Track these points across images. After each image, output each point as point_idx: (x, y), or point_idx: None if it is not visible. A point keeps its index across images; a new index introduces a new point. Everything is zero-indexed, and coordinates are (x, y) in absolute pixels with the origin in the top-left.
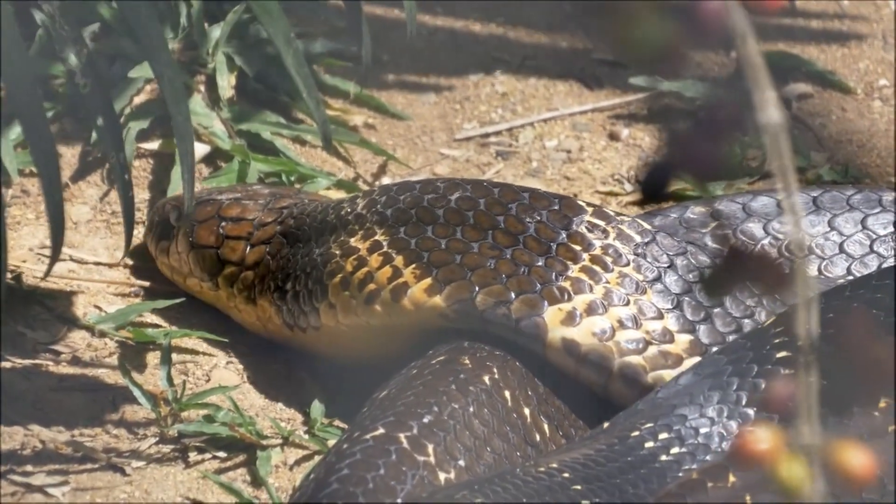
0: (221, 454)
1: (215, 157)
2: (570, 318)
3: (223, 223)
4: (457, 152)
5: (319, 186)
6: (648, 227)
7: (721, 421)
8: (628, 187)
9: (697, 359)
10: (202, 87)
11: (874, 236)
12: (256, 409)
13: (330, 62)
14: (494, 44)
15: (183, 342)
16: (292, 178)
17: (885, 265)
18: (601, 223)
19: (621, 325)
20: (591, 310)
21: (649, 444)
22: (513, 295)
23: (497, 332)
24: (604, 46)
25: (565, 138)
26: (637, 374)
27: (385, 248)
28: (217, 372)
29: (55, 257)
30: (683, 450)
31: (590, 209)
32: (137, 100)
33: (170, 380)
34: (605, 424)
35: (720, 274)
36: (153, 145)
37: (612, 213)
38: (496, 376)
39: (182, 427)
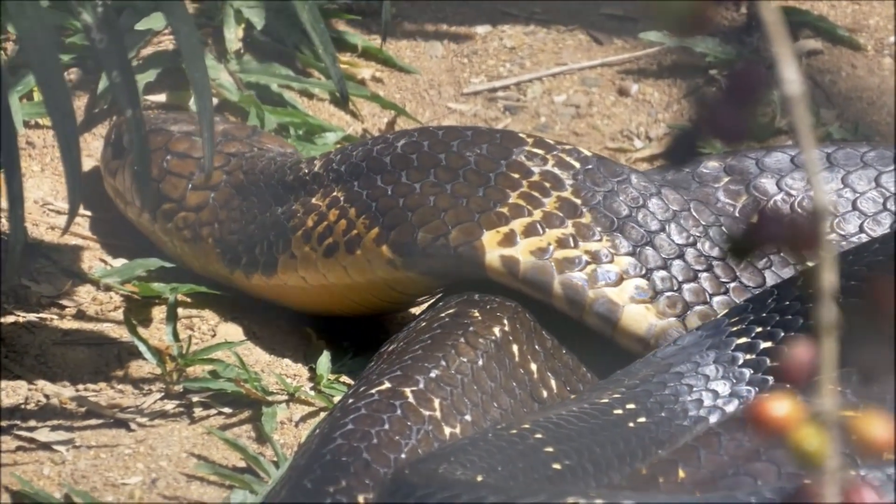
0: (226, 410)
1: (223, 109)
2: (507, 240)
3: (168, 157)
4: (464, 107)
5: (328, 141)
6: (589, 153)
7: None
8: (638, 143)
9: (639, 281)
10: (209, 40)
11: (888, 194)
12: (262, 365)
13: (339, 15)
14: None
15: (189, 297)
16: (301, 132)
17: None
18: (540, 152)
19: (560, 244)
20: (529, 231)
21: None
22: (450, 226)
23: (440, 266)
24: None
25: (574, 93)
26: (578, 289)
27: (342, 203)
28: (223, 327)
29: (73, 213)
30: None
31: (530, 140)
32: (144, 52)
33: (175, 335)
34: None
35: (747, 236)
36: (160, 97)
37: (552, 143)
38: (506, 328)
39: (187, 383)
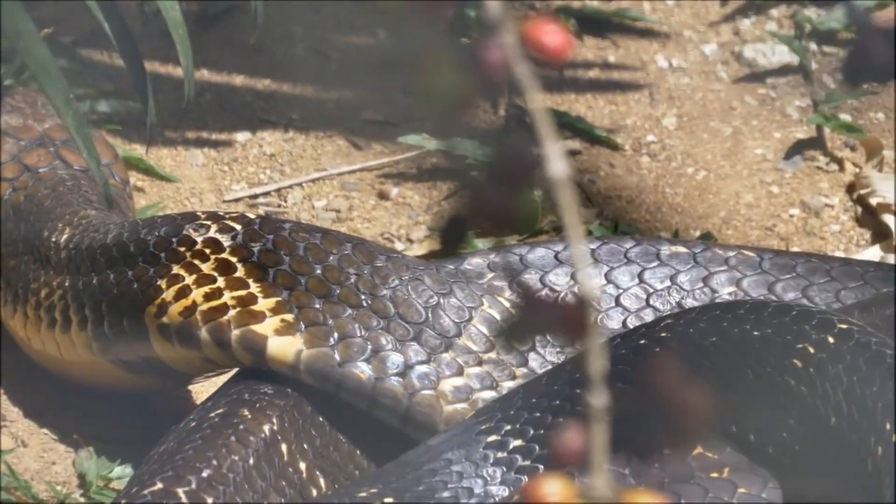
0: None
1: None
2: (161, 310)
3: None
4: None
5: None
6: (254, 216)
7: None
8: (399, 246)
9: (286, 315)
10: None
11: (651, 290)
12: (31, 473)
13: (99, 125)
14: (261, 105)
15: None
16: None
17: None
18: (208, 222)
19: (207, 297)
20: (179, 295)
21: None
22: (124, 312)
23: (126, 353)
24: (372, 104)
25: (334, 198)
26: (222, 331)
27: (66, 285)
28: None
29: None
30: None
31: (203, 214)
32: None
33: None
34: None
35: (519, 323)
36: None
37: (223, 214)
38: (275, 427)
39: None
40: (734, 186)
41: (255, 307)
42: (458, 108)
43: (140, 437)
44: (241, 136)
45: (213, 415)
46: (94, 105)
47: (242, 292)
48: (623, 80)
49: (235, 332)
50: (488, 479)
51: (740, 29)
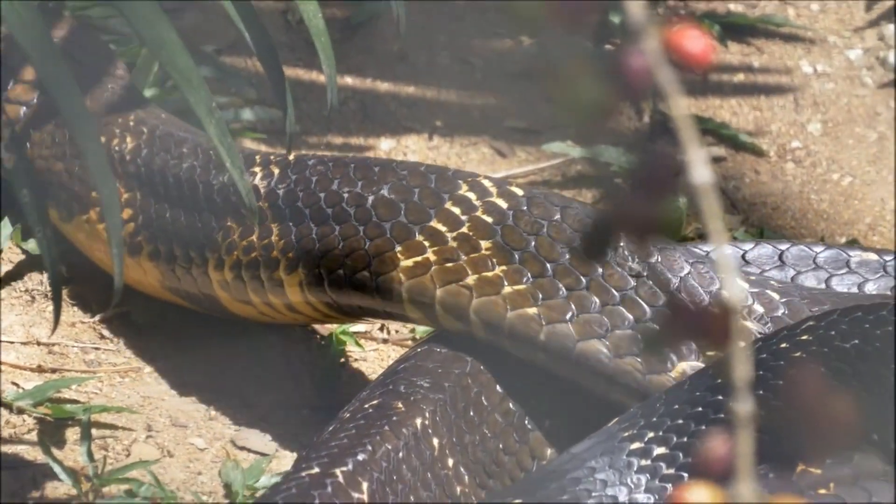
0: None
1: None
2: (219, 264)
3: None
4: None
5: None
6: (291, 157)
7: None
8: None
9: (291, 254)
10: None
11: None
12: (178, 483)
13: (244, 133)
14: (405, 112)
15: (102, 417)
16: None
17: None
18: (257, 169)
19: (245, 252)
20: (229, 250)
21: None
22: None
23: None
24: (516, 111)
25: None
26: (259, 279)
27: (137, 202)
28: (137, 446)
29: None
30: None
31: (259, 157)
32: None
33: (90, 455)
34: None
35: (663, 330)
36: None
37: (273, 158)
38: (427, 422)
39: (104, 502)
40: (880, 192)
41: (273, 254)
42: (600, 115)
43: (289, 447)
44: (386, 144)
45: (367, 406)
46: (238, 113)
47: (266, 240)
48: (768, 85)
49: (263, 276)
50: (633, 486)
51: (885, 34)
